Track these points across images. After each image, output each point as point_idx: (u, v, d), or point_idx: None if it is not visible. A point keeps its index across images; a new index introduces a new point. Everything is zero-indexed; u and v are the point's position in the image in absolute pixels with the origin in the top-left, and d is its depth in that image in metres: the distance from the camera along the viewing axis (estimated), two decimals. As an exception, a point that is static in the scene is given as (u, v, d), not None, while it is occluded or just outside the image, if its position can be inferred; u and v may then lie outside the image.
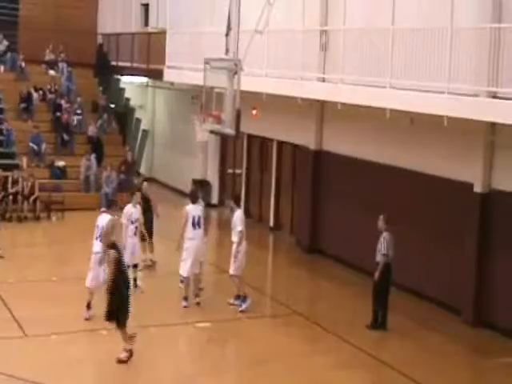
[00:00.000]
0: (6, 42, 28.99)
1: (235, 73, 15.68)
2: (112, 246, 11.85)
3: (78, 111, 26.71)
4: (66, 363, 11.97)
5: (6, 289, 15.30)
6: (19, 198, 21.98)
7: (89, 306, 13.72)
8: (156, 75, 26.12)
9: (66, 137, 25.48)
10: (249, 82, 16.62)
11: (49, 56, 29.38)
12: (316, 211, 19.60)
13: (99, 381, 11.93)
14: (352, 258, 17.77)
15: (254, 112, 20.91)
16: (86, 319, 13.57)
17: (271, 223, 22.32)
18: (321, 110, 19.35)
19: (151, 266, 17.32)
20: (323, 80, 17.55)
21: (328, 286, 17.10)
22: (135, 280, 15.82)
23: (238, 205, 15.32)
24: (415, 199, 16.12)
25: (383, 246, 13.74)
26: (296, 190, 21.09)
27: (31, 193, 22.21)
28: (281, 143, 21.89)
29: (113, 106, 28.39)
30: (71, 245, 17.70)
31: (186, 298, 14.89)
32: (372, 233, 14.34)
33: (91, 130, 25.76)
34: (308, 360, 12.66)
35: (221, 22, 17.63)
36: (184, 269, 14.90)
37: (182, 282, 15.28)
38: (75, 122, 26.26)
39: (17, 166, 23.22)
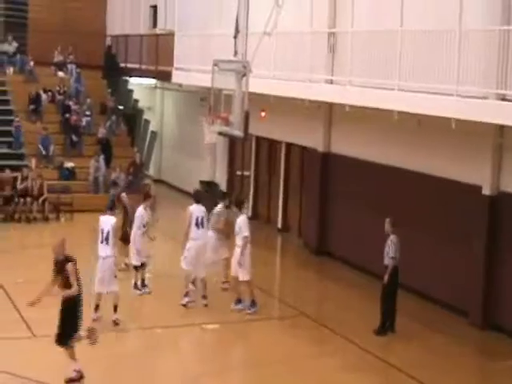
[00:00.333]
0: (15, 44, 29.09)
1: (244, 75, 15.72)
2: (68, 258, 11.28)
3: (87, 113, 26.79)
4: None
5: (15, 289, 15.35)
6: (28, 199, 22.06)
7: (97, 308, 13.76)
8: (164, 77, 26.16)
9: (74, 138, 25.57)
10: (257, 84, 16.64)
11: (57, 58, 29.47)
12: (324, 213, 19.60)
13: (106, 381, 11.93)
14: (360, 260, 17.77)
15: (263, 114, 20.94)
16: (94, 320, 13.60)
17: (279, 225, 22.32)
18: (329, 112, 19.35)
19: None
20: (331, 82, 17.56)
21: (336, 288, 17.10)
22: (143, 280, 15.89)
23: (241, 209, 15.19)
24: (423, 201, 16.10)
25: (391, 249, 13.72)
26: (304, 191, 21.09)
27: (40, 193, 22.30)
28: (289, 145, 21.90)
29: (121, 107, 28.46)
30: (80, 246, 17.63)
31: (186, 294, 14.93)
32: (380, 235, 14.33)
33: (101, 132, 25.82)
34: (315, 362, 12.67)
35: (229, 24, 17.68)
36: (185, 262, 14.95)
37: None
38: (84, 123, 26.34)
39: (25, 167, 23.30)
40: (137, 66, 29.16)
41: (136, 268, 15.86)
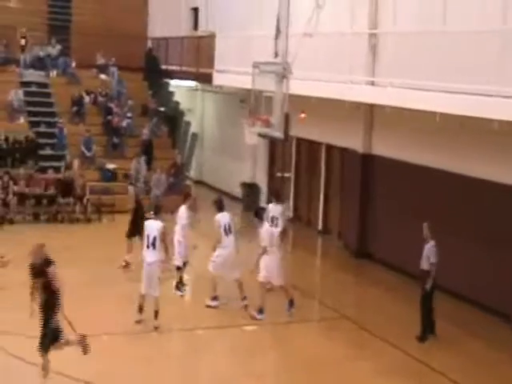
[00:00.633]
0: (58, 47, 29.43)
1: (284, 76, 15.72)
2: (47, 261, 11.22)
3: (128, 115, 27.01)
4: (117, 363, 12.15)
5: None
6: (71, 199, 22.37)
7: (141, 310, 13.77)
8: (205, 79, 26.27)
9: (116, 140, 25.80)
10: (297, 86, 16.62)
11: (100, 60, 29.78)
12: (364, 215, 19.52)
13: (146, 382, 12.01)
14: (400, 263, 17.64)
15: (303, 116, 20.90)
16: (137, 322, 13.68)
17: (320, 227, 22.28)
18: (369, 113, 19.27)
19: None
20: (372, 83, 17.47)
21: (376, 291, 17.00)
22: (181, 279, 15.99)
23: (262, 218, 15.12)
24: (465, 203, 15.94)
25: (433, 254, 13.51)
26: (344, 193, 21.01)
27: (83, 194, 22.59)
28: (329, 147, 21.84)
29: (162, 109, 28.64)
30: (121, 247, 17.87)
31: (214, 298, 14.97)
32: (421, 237, 14.21)
33: (144, 133, 26.02)
34: (353, 365, 12.63)
35: (270, 26, 17.68)
36: (212, 266, 15.02)
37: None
38: (125, 125, 26.56)
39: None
40: (178, 68, 29.32)
41: (178, 268, 15.96)
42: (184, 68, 28.80)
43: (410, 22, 16.81)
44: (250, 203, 25.28)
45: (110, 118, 26.43)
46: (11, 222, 21.60)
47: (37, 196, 22.23)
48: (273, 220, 16.30)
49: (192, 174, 28.43)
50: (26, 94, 26.61)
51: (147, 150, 25.48)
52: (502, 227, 14.94)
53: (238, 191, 26.10)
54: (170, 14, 32.46)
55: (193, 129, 28.63)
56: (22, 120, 25.64)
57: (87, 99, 27.34)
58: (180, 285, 16.04)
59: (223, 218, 15.17)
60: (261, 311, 14.53)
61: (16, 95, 25.96)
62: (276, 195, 16.62)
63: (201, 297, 15.64)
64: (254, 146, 23.35)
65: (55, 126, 25.58)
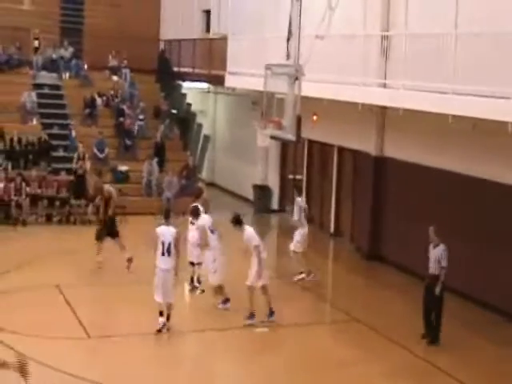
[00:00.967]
0: (71, 49, 29.55)
1: (296, 78, 15.71)
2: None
3: (140, 117, 27.08)
4: (128, 365, 12.18)
5: (71, 291, 15.60)
6: (83, 201, 22.44)
7: (162, 314, 13.57)
8: (217, 81, 26.31)
9: (128, 142, 25.87)
10: (310, 88, 16.62)
11: (112, 62, 29.87)
12: (376, 217, 19.48)
13: (160, 382, 12.04)
14: (413, 266, 17.57)
15: (315, 118, 20.91)
16: (159, 330, 13.44)
17: (332, 229, 22.25)
18: (382, 115, 19.23)
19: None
20: (384, 86, 17.44)
21: (388, 294, 16.97)
22: (196, 278, 16.01)
23: (241, 224, 14.55)
24: (478, 206, 15.89)
25: (444, 258, 13.39)
26: (356, 196, 20.99)
27: (95, 194, 22.64)
28: (341, 149, 21.82)
29: (174, 111, 28.69)
30: (134, 249, 17.90)
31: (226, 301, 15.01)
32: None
33: (157, 136, 26.08)
34: (364, 367, 12.62)
35: (282, 28, 17.70)
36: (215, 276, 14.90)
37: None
38: (137, 127, 26.62)
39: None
40: (190, 70, 29.38)
41: (192, 264, 16.07)
42: (196, 70, 28.85)
43: (422, 24, 16.77)
44: (262, 205, 25.31)
45: (122, 119, 26.50)
46: (24, 223, 21.68)
47: (49, 197, 22.32)
48: (305, 211, 17.52)
49: (204, 176, 28.45)
50: (39, 95, 26.73)
51: (159, 152, 25.54)
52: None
53: (249, 193, 26.11)
54: (183, 16, 32.52)
55: (205, 131, 28.66)
56: (34, 122, 25.77)
57: (99, 101, 27.43)
58: (197, 281, 16.16)
59: (207, 220, 15.16)
60: (252, 316, 14.30)
61: (29, 97, 26.08)
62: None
63: (211, 298, 15.65)
64: (265, 148, 23.36)
65: (68, 128, 25.70)
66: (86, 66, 29.27)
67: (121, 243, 17.48)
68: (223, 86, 25.81)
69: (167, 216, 13.91)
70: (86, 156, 23.83)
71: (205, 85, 29.54)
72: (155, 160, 24.94)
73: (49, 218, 22.24)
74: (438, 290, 13.41)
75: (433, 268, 13.55)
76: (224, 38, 25.73)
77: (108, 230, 17.56)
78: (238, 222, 14.47)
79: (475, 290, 15.70)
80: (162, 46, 32.77)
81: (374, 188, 19.49)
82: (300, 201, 17.69)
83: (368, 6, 18.88)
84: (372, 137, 19.51)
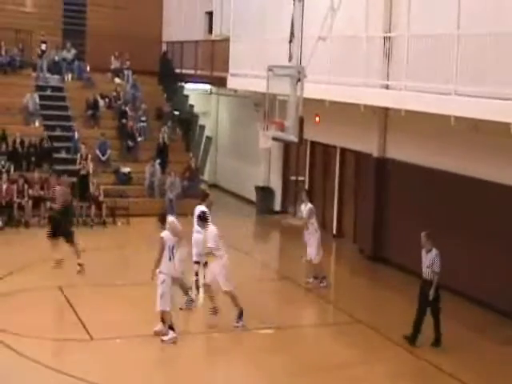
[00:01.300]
0: (73, 51, 29.57)
1: (298, 80, 15.72)
2: None
3: (143, 118, 27.10)
4: (130, 367, 12.17)
5: (73, 293, 15.61)
6: (85, 203, 22.45)
7: (171, 328, 13.24)
8: (220, 82, 26.33)
9: (130, 143, 25.88)
10: (312, 89, 16.63)
11: (114, 64, 29.89)
12: (379, 219, 19.47)
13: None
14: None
15: (317, 119, 20.91)
16: (169, 340, 13.19)
17: (334, 231, 22.25)
18: (384, 116, 19.23)
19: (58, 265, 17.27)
20: (387, 87, 17.44)
21: (391, 295, 16.95)
22: (196, 273, 16.11)
23: (206, 221, 14.13)
24: (480, 207, 15.88)
25: (437, 263, 13.27)
26: (359, 197, 20.98)
27: (98, 195, 22.67)
28: (344, 150, 21.81)
29: (177, 112, 28.71)
30: (136, 250, 17.96)
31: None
32: (436, 241, 14.14)
33: (160, 137, 26.08)
34: (368, 369, 12.61)
35: (284, 30, 17.70)
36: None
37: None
38: (139, 128, 26.61)
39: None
40: (192, 71, 29.40)
41: (196, 263, 16.06)
42: (198, 72, 28.88)
43: (425, 25, 16.76)
44: (265, 207, 25.31)
45: (124, 121, 26.51)
46: (26, 225, 21.70)
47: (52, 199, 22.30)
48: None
49: (206, 177, 28.48)
50: (42, 97, 26.75)
51: (162, 153, 25.55)
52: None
53: (252, 195, 26.11)
54: (185, 17, 32.54)
55: (207, 132, 28.69)
56: (37, 124, 25.79)
57: (102, 103, 27.45)
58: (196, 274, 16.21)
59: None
60: (240, 317, 14.07)
61: (31, 99, 26.10)
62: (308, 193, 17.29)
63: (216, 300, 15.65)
64: (268, 150, 23.35)
65: (71, 129, 25.73)
66: (88, 68, 29.28)
67: (76, 248, 17.24)
68: (225, 88, 25.83)
69: (163, 221, 13.53)
70: (89, 157, 23.86)
71: (207, 86, 29.58)
72: (158, 161, 24.96)
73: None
74: (431, 294, 13.26)
75: (426, 273, 13.44)
76: (226, 40, 25.75)
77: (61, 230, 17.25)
78: (203, 219, 14.10)
79: (477, 291, 15.67)
80: (164, 47, 32.79)
81: (377, 189, 19.48)
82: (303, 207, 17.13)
83: (370, 7, 18.86)
84: (374, 138, 19.51)
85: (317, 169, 23.60)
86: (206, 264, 15.81)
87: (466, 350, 13.47)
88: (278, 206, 25.50)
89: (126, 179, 24.70)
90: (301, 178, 24.00)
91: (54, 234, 17.50)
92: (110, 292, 16.01)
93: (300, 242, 17.27)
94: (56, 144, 24.84)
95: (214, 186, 28.86)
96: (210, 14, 30.64)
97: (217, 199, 22.49)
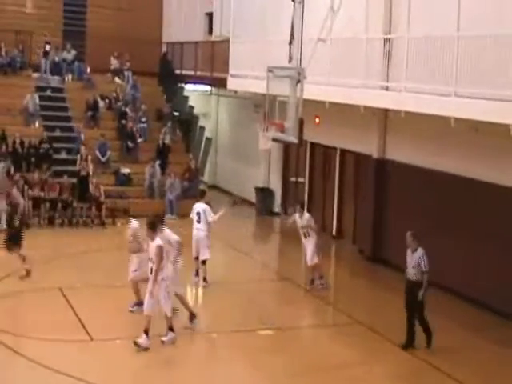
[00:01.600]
0: (73, 52, 29.59)
1: (298, 81, 15.74)
2: None
3: (143, 119, 27.11)
4: (130, 368, 12.20)
5: (73, 294, 15.63)
6: (86, 204, 22.47)
7: (171, 329, 13.14)
8: (220, 83, 26.34)
9: (130, 144, 25.89)
10: (312, 91, 16.65)
11: (114, 65, 29.91)
12: (378, 220, 19.48)
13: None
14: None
15: (317, 120, 20.92)
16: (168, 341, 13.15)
17: (334, 231, 22.26)
18: (384, 118, 19.24)
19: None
20: (387, 88, 17.46)
21: (390, 296, 16.91)
22: (197, 271, 16.38)
23: (155, 230, 13.42)
24: (480, 208, 15.89)
25: (424, 263, 13.13)
26: (359, 198, 20.99)
27: (98, 196, 22.67)
28: (343, 151, 21.83)
29: (177, 113, 28.72)
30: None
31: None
32: (436, 242, 14.20)
33: (161, 138, 26.09)
34: (367, 370, 12.61)
35: (284, 31, 17.72)
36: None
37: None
38: (139, 129, 26.61)
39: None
40: (192, 72, 29.42)
41: (196, 258, 16.45)
42: (198, 72, 28.89)
43: (424, 26, 16.78)
44: (264, 208, 25.33)
45: (124, 122, 26.52)
46: (26, 226, 21.67)
47: (52, 200, 22.34)
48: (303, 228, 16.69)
49: (206, 178, 28.50)
50: (42, 98, 26.77)
51: (162, 154, 25.57)
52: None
53: (252, 196, 26.12)
54: (185, 18, 32.56)
55: (207, 133, 28.71)
56: (37, 124, 25.81)
57: (102, 104, 27.46)
58: (196, 274, 16.53)
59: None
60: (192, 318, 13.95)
61: (31, 100, 26.12)
62: (302, 205, 17.19)
63: (216, 301, 15.68)
64: (268, 151, 23.37)
65: (71, 130, 25.75)
66: (88, 69, 29.31)
67: (21, 254, 16.71)
68: (225, 89, 25.84)
69: (154, 227, 13.01)
70: (89, 158, 23.88)
71: (207, 87, 29.59)
72: (157, 162, 24.98)
73: (51, 221, 22.25)
74: (420, 294, 13.08)
75: (411, 274, 13.25)
76: (226, 41, 25.77)
77: (14, 238, 16.57)
78: (153, 225, 13.24)
79: (474, 291, 15.68)
80: (164, 48, 32.81)
81: (376, 190, 19.49)
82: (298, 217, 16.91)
83: (370, 9, 18.88)
84: (374, 139, 19.52)
85: (317, 170, 23.61)
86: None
87: (464, 351, 13.49)
88: (277, 208, 25.51)
89: (125, 180, 24.71)
90: (301, 180, 24.02)
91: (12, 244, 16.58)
92: (110, 293, 16.01)
93: (300, 242, 17.27)
94: (56, 145, 24.84)
95: (213, 187, 28.88)
96: (210, 14, 30.66)
97: (216, 200, 22.53)
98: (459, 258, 15.72)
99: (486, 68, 13.79)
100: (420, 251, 13.22)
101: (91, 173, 23.49)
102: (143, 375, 11.97)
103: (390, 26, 18.22)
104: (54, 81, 28.21)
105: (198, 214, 16.47)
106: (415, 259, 13.20)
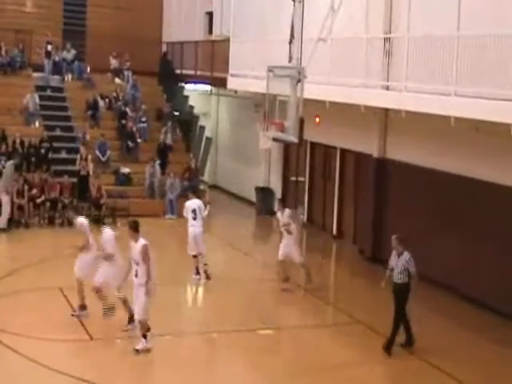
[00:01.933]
0: (73, 51, 29.58)
1: (298, 81, 15.73)
2: None
3: (143, 119, 27.09)
4: (130, 367, 12.19)
5: (73, 294, 15.58)
6: (86, 204, 22.44)
7: (147, 333, 12.76)
8: (220, 83, 26.33)
9: (130, 144, 25.88)
10: (312, 90, 16.63)
11: (114, 64, 29.89)
12: (379, 220, 19.46)
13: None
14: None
15: (317, 120, 20.91)
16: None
17: (334, 231, 22.25)
18: (384, 117, 19.23)
19: None
20: (387, 88, 17.45)
21: (391, 296, 16.90)
22: (197, 268, 16.39)
23: (103, 224, 13.83)
24: (480, 208, 15.88)
25: (411, 265, 13.10)
26: (359, 197, 20.98)
27: (99, 196, 22.65)
28: (344, 151, 21.81)
29: (177, 113, 28.71)
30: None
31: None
32: (436, 242, 14.19)
33: (161, 138, 26.07)
34: (367, 369, 12.61)
35: (284, 30, 17.72)
36: None
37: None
38: (139, 129, 26.60)
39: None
40: (192, 72, 29.40)
41: (194, 256, 16.57)
42: (198, 72, 28.87)
43: (425, 26, 16.76)
44: (264, 207, 25.31)
45: (124, 122, 26.51)
46: (26, 225, 21.69)
47: (52, 200, 22.31)
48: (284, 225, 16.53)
49: (206, 178, 28.49)
50: (42, 98, 26.76)
51: (162, 154, 25.56)
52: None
53: (252, 195, 26.11)
54: (185, 18, 32.56)
55: (207, 133, 28.69)
56: (37, 124, 25.80)
57: (102, 103, 27.45)
58: (196, 273, 16.58)
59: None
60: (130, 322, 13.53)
61: (31, 99, 26.11)
62: (282, 201, 17.19)
63: (216, 300, 15.67)
64: (268, 151, 23.36)
65: (71, 130, 25.74)
66: (88, 69, 29.31)
67: None
68: (225, 89, 25.83)
69: (136, 228, 12.94)
70: (89, 157, 23.86)
71: (207, 87, 29.57)
72: (158, 162, 24.97)
73: (51, 221, 22.23)
74: (410, 296, 13.13)
75: (398, 277, 13.26)
76: (226, 40, 25.76)
77: None
78: (97, 221, 13.91)
79: (474, 291, 15.68)
80: (164, 48, 32.80)
81: (377, 190, 19.48)
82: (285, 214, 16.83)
83: (370, 8, 18.87)
84: (374, 139, 19.51)
85: (317, 170, 23.60)
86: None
87: (465, 350, 13.48)
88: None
89: (125, 180, 24.70)
90: (301, 179, 23.99)
91: None
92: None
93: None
94: (56, 144, 24.82)
95: (214, 186, 28.88)
96: (210, 14, 30.65)
97: (216, 200, 22.53)
98: (460, 258, 15.70)
99: (487, 67, 13.77)
100: (406, 255, 13.15)
101: (91, 172, 23.46)
102: (143, 375, 11.96)
103: (390, 25, 18.21)
104: (54, 80, 28.24)
105: (194, 210, 16.56)
106: (401, 263, 13.16)
